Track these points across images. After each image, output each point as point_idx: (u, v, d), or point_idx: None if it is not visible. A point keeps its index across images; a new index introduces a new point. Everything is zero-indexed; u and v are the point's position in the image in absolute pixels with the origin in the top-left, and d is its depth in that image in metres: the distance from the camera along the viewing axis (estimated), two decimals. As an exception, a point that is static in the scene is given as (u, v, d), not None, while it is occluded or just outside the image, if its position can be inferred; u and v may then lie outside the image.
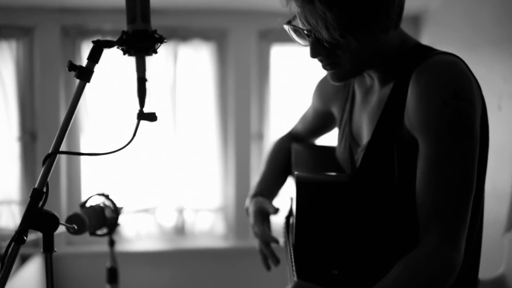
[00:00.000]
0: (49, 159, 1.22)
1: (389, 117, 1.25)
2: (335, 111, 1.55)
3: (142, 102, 1.29)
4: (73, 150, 4.16)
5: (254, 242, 1.67)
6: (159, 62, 4.18)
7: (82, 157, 4.20)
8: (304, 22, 1.23)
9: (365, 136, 1.36)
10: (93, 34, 4.13)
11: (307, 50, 1.25)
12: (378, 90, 1.34)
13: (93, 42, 1.24)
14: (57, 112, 4.07)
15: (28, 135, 4.15)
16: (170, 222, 4.32)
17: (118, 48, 1.25)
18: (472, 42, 3.30)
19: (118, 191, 4.19)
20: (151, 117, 1.28)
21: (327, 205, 1.26)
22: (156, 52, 1.30)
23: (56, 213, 1.23)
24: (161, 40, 1.27)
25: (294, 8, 1.25)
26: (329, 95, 1.56)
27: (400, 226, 1.25)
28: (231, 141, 4.31)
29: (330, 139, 1.74)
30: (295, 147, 1.64)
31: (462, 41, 3.46)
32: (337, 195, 1.28)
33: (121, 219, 1.81)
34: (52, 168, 1.24)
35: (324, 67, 1.30)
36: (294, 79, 4.35)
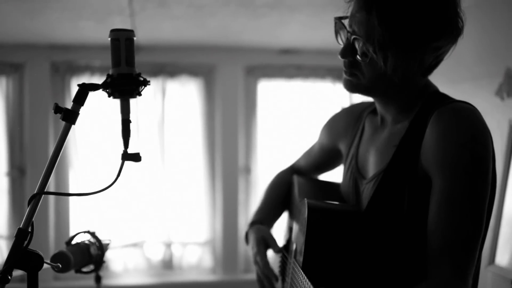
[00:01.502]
0: (34, 200, 1.24)
1: (404, 153, 1.28)
2: (343, 147, 1.58)
3: (126, 143, 1.31)
4: (62, 186, 4.18)
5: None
6: (147, 97, 4.24)
7: (70, 191, 4.20)
8: (352, 24, 1.27)
9: (370, 169, 1.39)
10: (83, 70, 4.19)
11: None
12: (390, 126, 1.38)
13: (78, 85, 1.27)
14: (46, 148, 4.10)
15: (17, 170, 4.16)
16: (158, 256, 4.32)
17: (103, 90, 1.28)
18: (453, 78, 3.38)
19: (106, 226, 4.20)
20: (136, 157, 1.31)
21: (336, 233, 1.29)
22: (140, 95, 1.33)
23: (40, 253, 1.24)
24: (145, 83, 1.30)
25: (352, 9, 1.29)
26: (339, 131, 1.59)
27: (407, 259, 1.28)
28: (219, 175, 4.35)
29: (332, 175, 1.76)
30: (297, 179, 1.66)
31: (443, 77, 3.54)
32: (346, 224, 1.30)
33: (107, 256, 1.82)
34: (37, 208, 1.26)
35: (344, 72, 1.34)
36: (281, 113, 4.41)
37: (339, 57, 1.31)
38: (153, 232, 4.28)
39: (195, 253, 4.37)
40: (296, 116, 4.39)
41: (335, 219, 1.31)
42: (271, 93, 4.45)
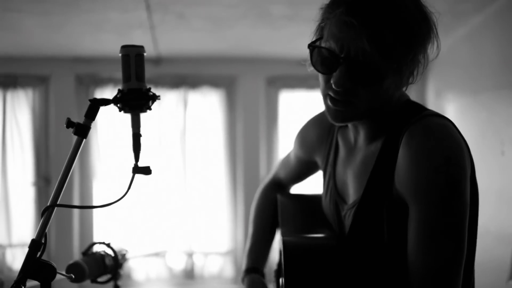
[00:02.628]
0: (47, 212, 1.26)
1: (378, 178, 1.23)
2: (319, 160, 1.53)
3: (137, 157, 1.33)
4: (87, 197, 4.25)
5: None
6: (169, 108, 4.29)
7: (94, 201, 4.27)
8: (347, 47, 1.14)
9: (351, 194, 1.34)
10: (106, 82, 4.27)
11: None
12: (364, 146, 1.32)
13: (90, 100, 1.29)
14: (71, 158, 4.16)
15: (43, 180, 4.25)
16: (179, 265, 4.35)
17: (114, 105, 1.31)
18: (475, 88, 3.35)
19: (129, 235, 4.25)
20: (146, 170, 1.32)
21: (316, 270, 1.24)
22: (150, 109, 1.34)
23: (53, 263, 1.27)
24: (154, 98, 1.32)
25: (331, 31, 1.17)
26: (312, 145, 1.53)
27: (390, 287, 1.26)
28: (240, 185, 4.37)
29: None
30: (280, 199, 1.61)
31: (465, 87, 3.51)
32: (326, 259, 1.25)
33: (125, 266, 1.85)
34: (51, 219, 1.28)
35: (335, 102, 1.20)
36: (302, 123, 4.40)
37: (334, 87, 1.17)
38: (175, 242, 4.32)
39: (217, 263, 4.39)
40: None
41: (313, 256, 1.27)
42: (292, 104, 4.45)
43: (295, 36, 3.61)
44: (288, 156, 1.71)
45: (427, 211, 1.14)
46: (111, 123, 4.21)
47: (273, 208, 1.63)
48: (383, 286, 1.26)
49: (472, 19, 3.29)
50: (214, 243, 4.38)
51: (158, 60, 4.16)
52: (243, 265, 1.64)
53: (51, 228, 4.17)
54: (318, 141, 1.50)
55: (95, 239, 4.24)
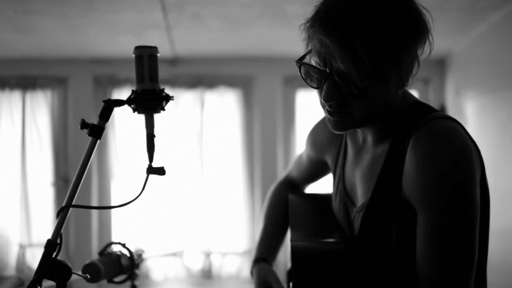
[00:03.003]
0: (63, 212, 1.27)
1: (386, 182, 1.23)
2: (329, 160, 1.53)
3: (151, 157, 1.34)
4: (105, 197, 4.29)
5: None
6: (186, 108, 4.30)
7: (112, 201, 4.30)
8: (329, 61, 1.13)
9: (359, 196, 1.34)
10: (124, 83, 4.30)
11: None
12: (372, 148, 1.31)
13: (103, 101, 1.30)
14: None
15: (62, 181, 4.29)
16: (197, 265, 4.36)
17: (128, 106, 1.31)
18: (494, 86, 3.31)
19: (147, 235, 4.27)
20: (160, 171, 1.33)
21: (324, 275, 1.24)
22: (164, 110, 1.34)
23: (69, 264, 1.28)
24: (167, 98, 1.32)
25: (314, 45, 1.15)
26: (323, 145, 1.53)
27: None
28: (258, 185, 4.36)
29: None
30: (291, 199, 1.59)
31: (484, 86, 3.47)
32: (334, 264, 1.25)
33: (142, 266, 1.85)
34: (66, 220, 1.29)
35: (331, 114, 1.21)
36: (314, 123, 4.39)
37: (323, 102, 1.18)
38: (192, 242, 4.33)
39: (234, 263, 4.39)
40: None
41: (321, 260, 1.27)
42: (310, 103, 4.44)
43: (312, 35, 3.59)
44: (300, 156, 1.71)
45: (434, 217, 1.13)
46: (128, 123, 4.24)
47: (284, 206, 1.63)
48: (390, 287, 1.25)
49: (491, 16, 3.25)
50: (232, 243, 4.39)
51: (174, 61, 4.17)
52: (252, 257, 1.63)
53: (70, 228, 4.20)
54: (328, 141, 1.50)
55: (113, 239, 4.27)
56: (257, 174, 4.37)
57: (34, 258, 4.26)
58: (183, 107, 4.30)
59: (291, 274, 1.32)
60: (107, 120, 1.32)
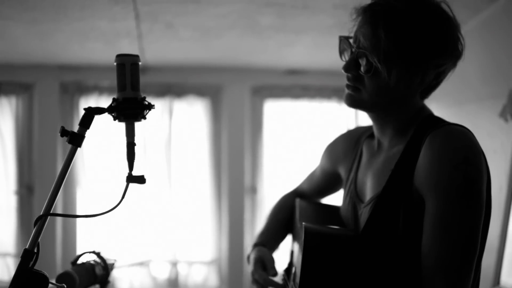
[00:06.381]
0: (40, 221, 1.25)
1: (399, 176, 1.30)
2: (342, 172, 1.60)
3: (131, 166, 1.34)
4: (70, 205, 4.22)
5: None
6: (155, 117, 4.28)
7: (77, 211, 4.24)
8: (357, 39, 1.31)
9: (368, 193, 1.41)
10: (91, 90, 4.25)
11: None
12: (386, 150, 1.40)
13: (84, 109, 1.29)
14: (55, 166, 4.14)
15: (25, 189, 4.20)
16: (164, 275, 4.33)
17: (108, 114, 1.31)
18: (458, 99, 3.40)
19: (113, 245, 4.22)
20: (140, 179, 1.33)
21: (333, 257, 1.30)
22: (145, 118, 1.35)
23: (46, 273, 1.26)
24: (149, 107, 1.32)
25: (354, 26, 1.34)
26: (339, 156, 1.62)
27: (403, 280, 1.29)
28: (225, 195, 4.37)
29: (334, 199, 1.78)
30: (299, 202, 1.67)
31: (449, 98, 3.56)
32: (343, 248, 1.31)
33: (112, 275, 1.84)
34: (44, 228, 1.27)
35: (347, 86, 1.37)
36: (287, 133, 4.44)
37: (343, 71, 1.34)
38: (159, 251, 4.30)
39: (201, 272, 4.38)
40: (302, 135, 4.42)
41: (332, 243, 1.32)
42: (277, 113, 4.48)
43: (282, 46, 3.64)
44: (314, 171, 1.79)
45: (443, 205, 1.21)
46: (95, 131, 4.18)
47: (289, 212, 1.72)
48: (396, 277, 1.30)
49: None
50: (199, 252, 4.37)
51: (144, 69, 4.15)
52: (250, 246, 1.71)
53: (33, 237, 4.11)
54: (344, 153, 1.60)
55: (78, 248, 4.21)
56: (224, 183, 4.37)
57: (-4, 267, 4.15)
58: (151, 116, 4.26)
59: (292, 261, 1.33)
60: (88, 128, 1.31)
